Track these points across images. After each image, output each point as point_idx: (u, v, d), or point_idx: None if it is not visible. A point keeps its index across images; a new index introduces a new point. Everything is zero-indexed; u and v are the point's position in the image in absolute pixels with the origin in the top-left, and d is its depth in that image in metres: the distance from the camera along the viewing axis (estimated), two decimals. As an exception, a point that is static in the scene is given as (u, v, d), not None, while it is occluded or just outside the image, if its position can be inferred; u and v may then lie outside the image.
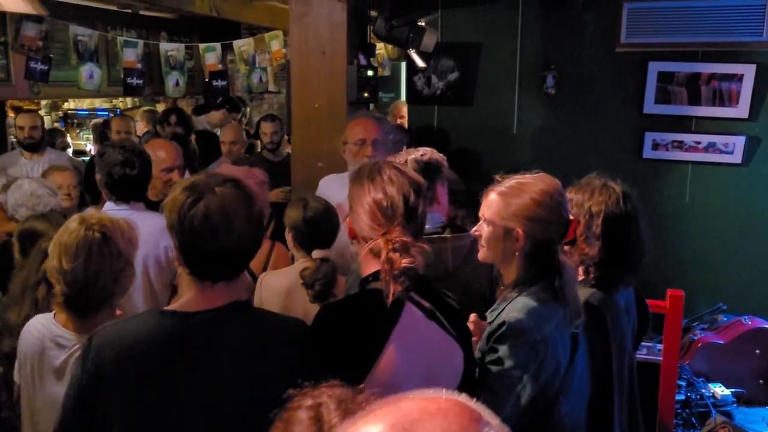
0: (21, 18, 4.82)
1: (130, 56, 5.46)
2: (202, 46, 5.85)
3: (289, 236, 2.56)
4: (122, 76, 5.52)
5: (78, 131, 8.55)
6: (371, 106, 4.52)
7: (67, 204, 3.62)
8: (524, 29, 4.07)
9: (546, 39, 4.06)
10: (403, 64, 5.78)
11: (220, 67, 5.82)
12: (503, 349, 1.68)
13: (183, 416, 1.46)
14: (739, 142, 3.78)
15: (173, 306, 1.56)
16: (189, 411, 1.46)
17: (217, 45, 5.80)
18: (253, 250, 1.57)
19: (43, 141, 4.88)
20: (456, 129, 4.31)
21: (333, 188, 3.01)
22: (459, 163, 3.47)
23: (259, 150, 5.54)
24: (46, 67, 5.02)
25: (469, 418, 0.67)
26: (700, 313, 3.64)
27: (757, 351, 3.34)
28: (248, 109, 7.76)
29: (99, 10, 6.25)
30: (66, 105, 8.65)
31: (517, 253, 1.76)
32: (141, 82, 5.47)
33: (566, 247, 1.92)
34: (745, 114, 3.74)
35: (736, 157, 3.79)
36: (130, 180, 2.64)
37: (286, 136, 5.00)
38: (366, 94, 3.69)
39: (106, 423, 1.45)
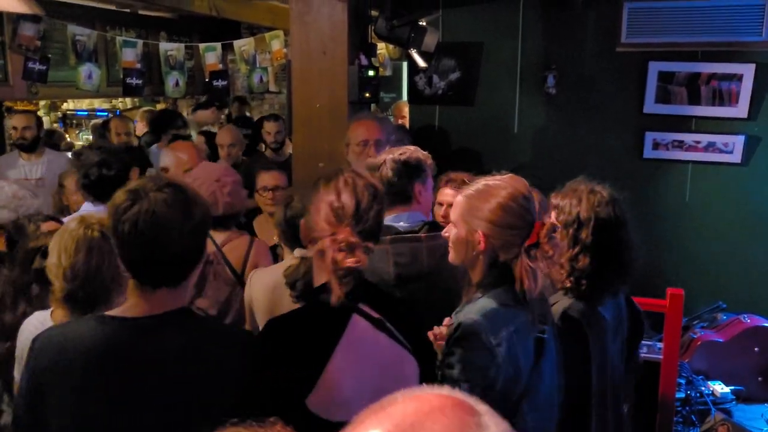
0: (18, 17, 4.76)
1: (130, 56, 5.44)
2: (202, 45, 5.83)
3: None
4: (121, 77, 5.49)
5: (77, 132, 8.54)
6: (372, 106, 4.53)
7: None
8: (525, 29, 4.08)
9: (547, 39, 4.06)
10: (405, 64, 5.80)
11: (220, 66, 5.81)
12: (458, 353, 1.67)
13: (119, 422, 1.45)
14: (738, 141, 3.79)
15: (116, 311, 1.55)
16: (125, 417, 1.45)
17: (218, 45, 5.78)
18: (194, 257, 1.53)
19: (39, 141, 4.70)
20: (457, 129, 4.31)
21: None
22: (460, 163, 3.47)
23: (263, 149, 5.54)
24: (44, 68, 4.98)
25: (465, 410, 0.66)
26: (700, 312, 3.65)
27: (756, 349, 3.35)
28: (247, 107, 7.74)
29: (98, 9, 6.22)
30: (65, 105, 8.64)
31: (480, 256, 1.75)
32: (140, 82, 5.45)
33: (555, 256, 1.87)
34: (744, 114, 3.75)
35: (736, 157, 3.80)
36: (107, 180, 2.69)
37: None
38: (367, 94, 3.68)
39: (48, 429, 1.44)
